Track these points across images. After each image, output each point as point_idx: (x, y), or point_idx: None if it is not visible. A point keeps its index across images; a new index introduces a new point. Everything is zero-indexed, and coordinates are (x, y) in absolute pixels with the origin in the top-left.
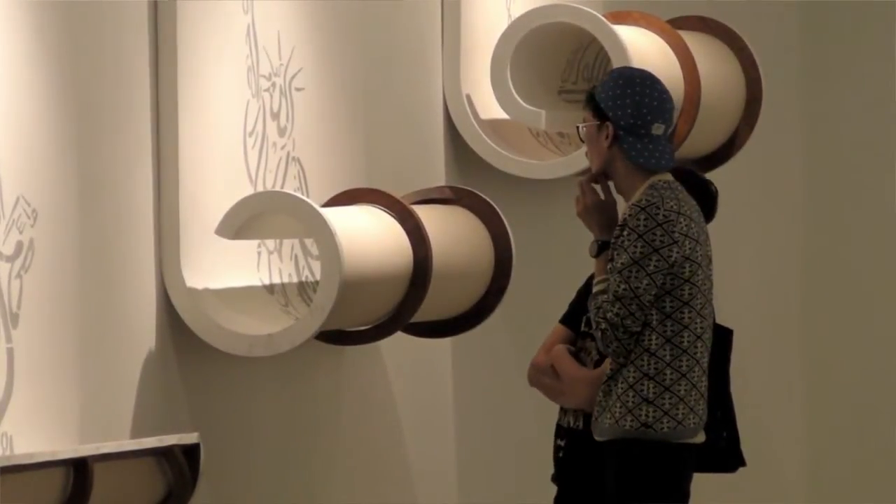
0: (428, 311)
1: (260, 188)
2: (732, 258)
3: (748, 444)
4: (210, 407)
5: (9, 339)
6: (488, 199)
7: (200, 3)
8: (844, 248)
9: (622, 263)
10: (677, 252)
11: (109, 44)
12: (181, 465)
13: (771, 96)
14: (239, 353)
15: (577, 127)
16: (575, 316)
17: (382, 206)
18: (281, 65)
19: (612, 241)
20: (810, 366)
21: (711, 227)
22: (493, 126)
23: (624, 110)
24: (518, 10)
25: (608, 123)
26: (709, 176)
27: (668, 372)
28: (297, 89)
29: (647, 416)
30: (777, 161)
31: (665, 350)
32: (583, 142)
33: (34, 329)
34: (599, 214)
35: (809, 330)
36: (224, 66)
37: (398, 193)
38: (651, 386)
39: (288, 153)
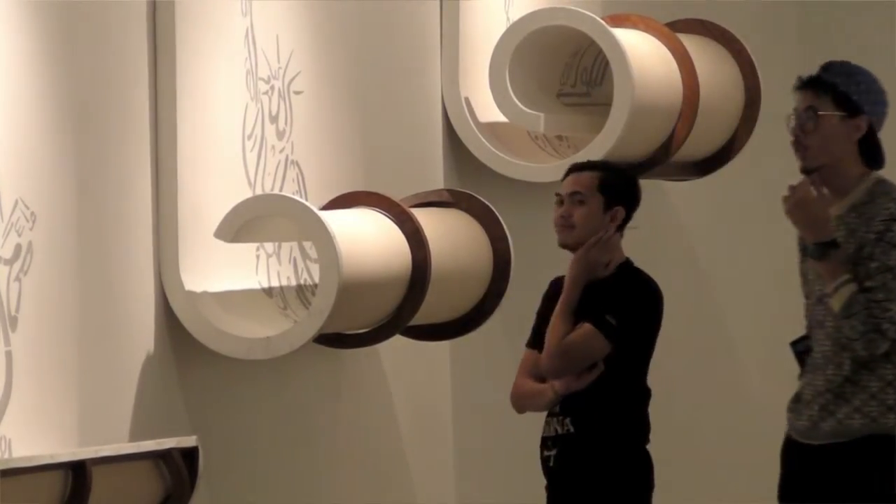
0: (426, 314)
1: (258, 191)
2: (734, 259)
3: (754, 443)
4: (208, 410)
5: (7, 342)
6: (487, 203)
7: (199, 6)
8: None
9: None
10: None
11: (109, 47)
12: (179, 468)
13: (769, 99)
14: (237, 356)
15: (802, 112)
16: (541, 339)
17: (381, 209)
18: (279, 68)
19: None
20: None
21: (707, 230)
22: (491, 129)
23: (882, 108)
24: (516, 14)
25: (862, 118)
26: (708, 178)
27: None
28: (296, 92)
29: None
30: (776, 163)
31: None
32: (801, 131)
33: (33, 332)
34: (812, 212)
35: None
36: (223, 69)
37: (397, 196)
38: None
39: (286, 156)
